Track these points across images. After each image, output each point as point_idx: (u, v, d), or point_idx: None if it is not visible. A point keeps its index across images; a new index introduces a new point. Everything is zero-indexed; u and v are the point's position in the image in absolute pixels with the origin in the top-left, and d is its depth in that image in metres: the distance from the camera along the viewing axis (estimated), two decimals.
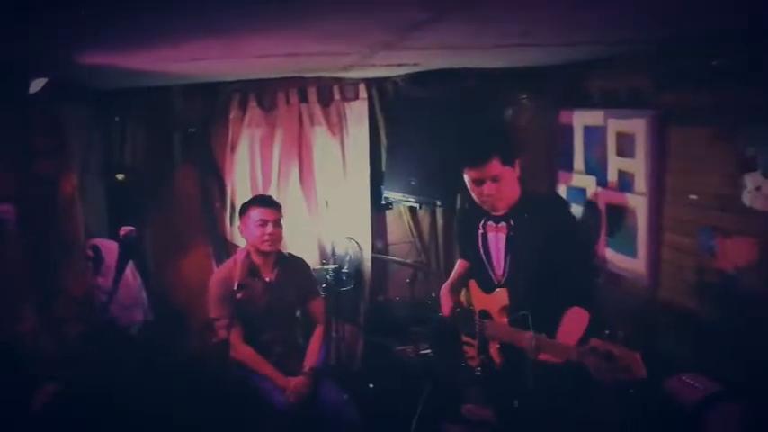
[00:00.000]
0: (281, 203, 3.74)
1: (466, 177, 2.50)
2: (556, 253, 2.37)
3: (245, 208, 3.21)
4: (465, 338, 2.68)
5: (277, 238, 3.16)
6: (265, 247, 3.13)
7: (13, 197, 2.80)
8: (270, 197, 3.39)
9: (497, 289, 2.52)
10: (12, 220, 2.78)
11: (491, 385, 2.72)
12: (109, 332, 3.21)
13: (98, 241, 3.47)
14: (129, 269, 3.42)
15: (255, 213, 3.13)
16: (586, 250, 2.72)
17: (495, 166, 2.42)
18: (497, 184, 2.44)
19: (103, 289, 3.30)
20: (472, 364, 2.65)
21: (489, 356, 2.54)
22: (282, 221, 3.21)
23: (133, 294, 3.46)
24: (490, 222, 2.57)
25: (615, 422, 2.59)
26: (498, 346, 2.51)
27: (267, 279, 3.19)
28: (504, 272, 2.53)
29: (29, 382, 2.62)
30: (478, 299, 2.63)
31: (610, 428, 2.61)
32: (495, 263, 2.56)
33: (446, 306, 2.71)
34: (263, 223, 3.11)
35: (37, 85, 2.76)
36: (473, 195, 2.52)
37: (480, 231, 2.60)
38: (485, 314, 2.57)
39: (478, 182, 2.46)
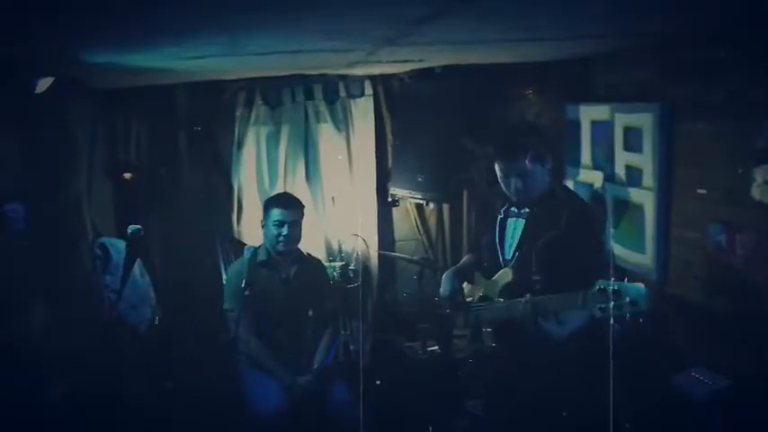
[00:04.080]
0: None
1: (496, 168, 2.51)
2: (569, 245, 2.37)
3: (267, 205, 3.21)
4: (456, 332, 2.68)
5: (293, 239, 3.16)
6: (280, 248, 3.13)
7: (20, 196, 2.82)
8: (291, 196, 3.35)
9: (503, 269, 2.51)
10: (20, 218, 2.80)
11: (488, 374, 2.71)
12: (117, 331, 3.22)
13: (106, 240, 3.49)
14: (137, 267, 3.43)
15: (274, 213, 3.13)
16: (597, 245, 2.71)
17: (525, 163, 2.42)
18: (525, 181, 2.44)
19: (112, 287, 3.31)
20: (461, 357, 2.65)
21: (482, 343, 2.52)
22: (302, 221, 3.19)
23: (141, 293, 3.48)
24: (512, 209, 2.57)
25: (623, 417, 2.58)
26: (491, 330, 2.50)
27: (284, 276, 3.20)
28: (513, 256, 2.52)
29: (38, 381, 2.63)
30: (480, 287, 2.62)
31: (618, 423, 2.60)
32: (507, 248, 2.56)
33: (446, 289, 2.69)
34: (280, 224, 3.11)
35: (44, 84, 2.77)
36: (501, 185, 2.52)
37: (500, 216, 2.60)
38: (484, 299, 2.57)
39: (507, 175, 2.47)
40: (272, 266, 3.17)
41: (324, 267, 3.47)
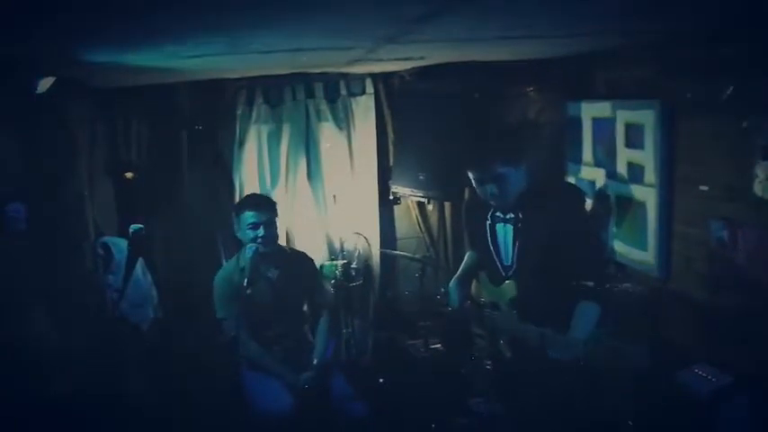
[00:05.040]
0: (289, 200, 3.74)
1: (470, 175, 2.49)
2: (564, 245, 2.36)
3: (238, 209, 3.16)
4: (476, 331, 2.69)
5: (271, 239, 3.11)
6: (260, 250, 3.07)
7: (22, 196, 2.82)
8: (262, 197, 3.32)
9: (506, 281, 2.51)
10: (22, 218, 2.81)
11: (500, 378, 2.73)
12: (119, 330, 3.23)
13: (108, 239, 3.49)
14: (139, 267, 3.43)
15: (247, 216, 3.08)
16: (596, 242, 2.71)
17: (497, 168, 2.39)
18: (500, 185, 2.42)
19: (114, 287, 3.31)
20: (482, 356, 2.66)
21: (499, 349, 2.54)
22: (277, 220, 3.16)
23: (143, 292, 3.48)
24: (498, 214, 2.56)
25: (627, 414, 2.58)
26: (507, 338, 2.51)
27: (269, 275, 3.18)
28: (512, 264, 2.52)
29: (40, 381, 2.64)
30: (488, 291, 2.63)
31: (621, 420, 2.60)
32: (503, 255, 2.55)
33: (456, 299, 2.70)
34: (255, 226, 3.07)
35: (45, 84, 2.77)
36: (477, 191, 2.51)
37: (488, 222, 2.59)
38: (495, 306, 2.57)
39: (480, 182, 2.45)
40: (257, 268, 3.10)
41: (310, 259, 3.43)
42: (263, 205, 3.14)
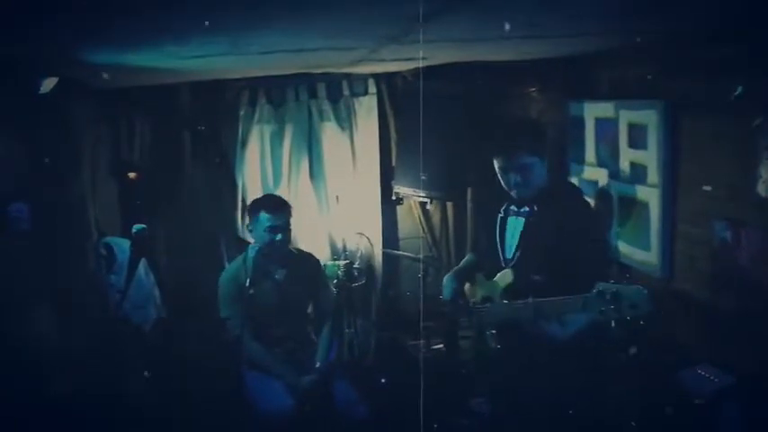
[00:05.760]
0: (292, 200, 3.71)
1: (495, 164, 2.50)
2: (571, 243, 2.36)
3: (256, 208, 3.12)
4: (462, 332, 2.68)
5: (287, 243, 3.10)
6: (274, 252, 3.08)
7: (26, 196, 2.84)
8: (280, 199, 3.26)
9: (504, 270, 2.51)
10: (25, 218, 2.82)
11: (493, 375, 2.71)
12: (121, 331, 3.23)
13: (110, 239, 3.50)
14: (142, 267, 3.44)
15: (265, 218, 3.04)
16: (601, 243, 2.70)
17: (522, 156, 2.42)
18: (524, 175, 2.43)
19: (116, 287, 3.32)
20: (469, 356, 2.64)
21: (486, 344, 2.52)
22: (292, 220, 3.15)
23: (145, 292, 3.49)
24: (512, 207, 2.57)
25: (629, 414, 2.57)
26: (495, 331, 2.49)
27: (276, 276, 3.18)
28: (514, 256, 2.51)
29: (42, 381, 2.65)
30: (483, 288, 2.62)
31: (623, 420, 2.59)
32: (507, 247, 2.55)
33: (447, 291, 2.69)
34: (273, 230, 3.03)
35: (48, 84, 2.78)
36: (501, 182, 2.52)
37: (501, 216, 2.59)
38: (486, 300, 2.56)
39: (506, 170, 2.47)
40: (263, 268, 3.10)
41: (316, 261, 3.43)
42: (281, 209, 3.09)
